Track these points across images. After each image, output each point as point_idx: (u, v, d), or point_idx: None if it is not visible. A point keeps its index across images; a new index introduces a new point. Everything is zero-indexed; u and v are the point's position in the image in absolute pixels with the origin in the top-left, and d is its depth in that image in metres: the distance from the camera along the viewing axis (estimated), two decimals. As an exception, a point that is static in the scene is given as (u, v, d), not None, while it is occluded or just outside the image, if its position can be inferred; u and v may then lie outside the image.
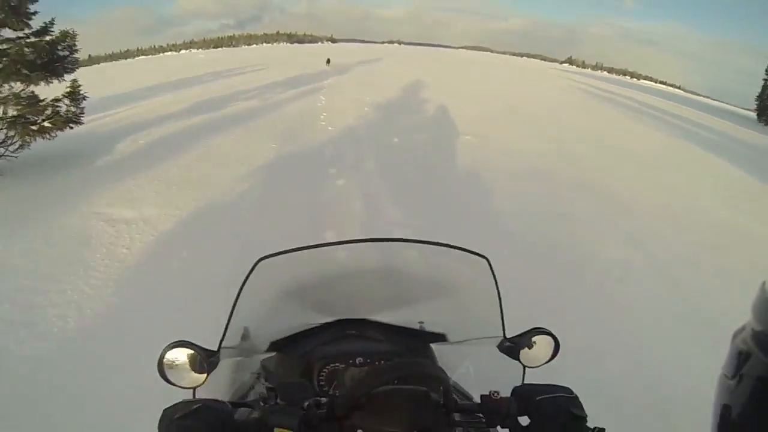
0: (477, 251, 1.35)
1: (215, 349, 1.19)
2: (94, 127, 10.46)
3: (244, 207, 5.86)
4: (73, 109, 8.38)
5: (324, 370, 1.39)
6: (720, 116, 31.92)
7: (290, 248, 1.26)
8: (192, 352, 1.14)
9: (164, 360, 1.12)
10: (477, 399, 1.08)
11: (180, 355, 1.14)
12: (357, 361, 1.39)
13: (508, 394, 1.07)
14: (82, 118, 8.54)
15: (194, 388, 1.17)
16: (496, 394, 1.05)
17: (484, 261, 1.36)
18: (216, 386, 1.56)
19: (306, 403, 0.98)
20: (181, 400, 0.95)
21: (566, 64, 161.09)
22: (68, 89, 8.40)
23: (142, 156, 8.25)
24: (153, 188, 6.40)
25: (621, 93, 35.96)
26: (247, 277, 1.22)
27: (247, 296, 1.23)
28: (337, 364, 1.39)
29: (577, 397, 1.04)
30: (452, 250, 1.35)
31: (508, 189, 7.23)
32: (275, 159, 8.19)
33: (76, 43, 8.51)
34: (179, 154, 8.23)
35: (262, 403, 1.03)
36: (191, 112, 12.54)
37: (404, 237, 1.52)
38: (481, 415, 1.07)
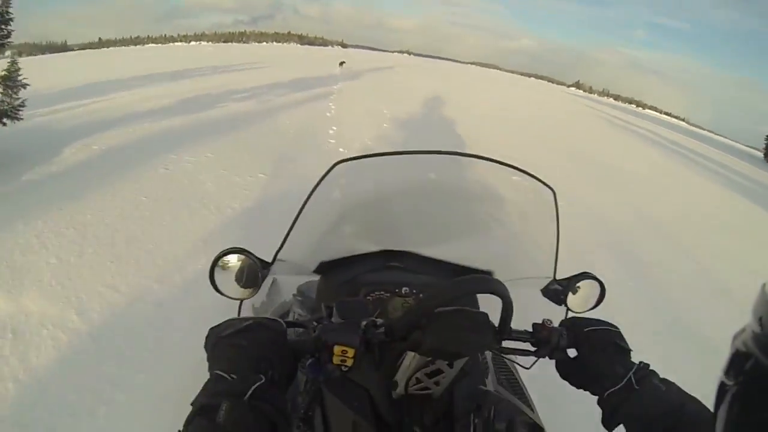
0: (545, 181, 1.27)
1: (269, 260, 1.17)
2: (54, 120, 8.58)
3: (191, 322, 3.15)
4: (8, 99, 6.43)
5: (369, 296, 1.28)
6: (731, 154, 32.70)
7: (367, 154, 1.23)
8: (247, 259, 1.12)
9: (217, 265, 1.10)
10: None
11: (233, 263, 1.12)
12: (403, 291, 1.29)
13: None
14: (21, 112, 6.60)
15: (242, 300, 1.18)
16: (549, 322, 1.06)
17: (550, 193, 1.28)
18: (256, 306, 1.74)
19: (363, 323, 0.92)
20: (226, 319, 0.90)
21: (573, 88, 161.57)
22: (2, 73, 6.45)
23: (84, 172, 5.96)
24: (63, 244, 4.04)
25: (637, 124, 35.58)
26: (320, 181, 1.18)
27: (306, 211, 1.20)
28: (382, 293, 1.29)
29: (620, 332, 1.04)
30: (517, 177, 1.28)
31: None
32: (260, 203, 5.44)
33: (9, 10, 6.41)
34: (128, 178, 5.80)
35: (315, 323, 0.96)
36: (174, 111, 10.35)
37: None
38: (530, 344, 1.07)
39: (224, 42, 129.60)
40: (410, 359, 0.98)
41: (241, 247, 1.11)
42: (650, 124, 39.01)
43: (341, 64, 33.31)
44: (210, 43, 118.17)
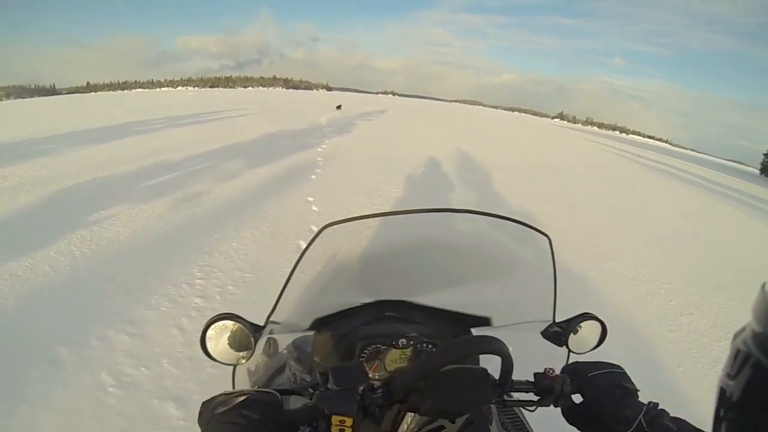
0: (539, 228, 1.22)
1: (261, 323, 1.11)
2: None
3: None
4: None
5: (365, 351, 1.20)
6: (726, 173, 31.48)
7: (355, 216, 1.18)
8: (238, 325, 1.06)
9: (207, 334, 1.03)
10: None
11: (225, 329, 1.06)
12: (400, 343, 1.20)
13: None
14: None
15: (235, 365, 1.14)
16: (551, 371, 1.01)
17: (545, 239, 1.24)
18: (250, 366, 1.50)
19: (360, 388, 0.86)
20: (221, 392, 0.84)
21: (557, 119, 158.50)
22: None
23: None
24: None
25: (635, 153, 33.64)
26: (309, 245, 1.14)
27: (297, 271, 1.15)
28: (378, 346, 1.20)
29: (626, 372, 1.00)
30: (512, 227, 1.24)
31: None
32: None
33: None
34: None
35: (311, 390, 0.92)
36: None
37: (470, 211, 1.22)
38: (533, 393, 1.02)
39: (210, 87, 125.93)
40: (411, 418, 0.94)
41: (231, 312, 1.04)
42: (645, 151, 37.69)
43: (338, 107, 30.74)
44: (196, 87, 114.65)
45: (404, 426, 0.95)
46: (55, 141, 11.17)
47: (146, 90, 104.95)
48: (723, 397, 0.46)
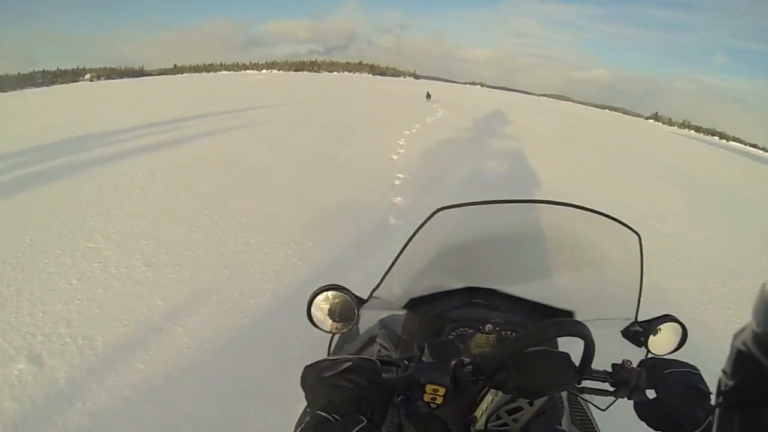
0: (631, 225, 1.14)
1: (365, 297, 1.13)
2: None
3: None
4: None
5: (453, 333, 1.22)
6: None
7: (467, 202, 1.13)
8: (344, 297, 1.08)
9: (314, 302, 1.07)
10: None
11: (329, 300, 1.08)
12: (486, 328, 1.21)
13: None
14: None
15: (334, 334, 1.15)
16: (629, 363, 0.96)
17: (635, 237, 1.16)
18: (345, 335, 1.49)
19: (453, 362, 0.88)
20: (323, 358, 0.87)
21: (651, 120, 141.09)
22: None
23: None
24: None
25: None
26: (420, 227, 1.11)
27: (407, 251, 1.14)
28: (466, 329, 1.22)
29: (701, 374, 0.95)
30: (603, 222, 1.15)
31: None
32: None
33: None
34: None
35: (406, 362, 0.94)
36: None
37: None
38: (608, 384, 0.98)
39: (295, 71, 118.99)
40: (492, 396, 0.93)
41: (338, 284, 1.07)
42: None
43: (428, 96, 25.11)
44: (280, 71, 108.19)
45: (484, 404, 0.93)
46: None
47: (230, 72, 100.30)
48: (722, 396, 0.45)
